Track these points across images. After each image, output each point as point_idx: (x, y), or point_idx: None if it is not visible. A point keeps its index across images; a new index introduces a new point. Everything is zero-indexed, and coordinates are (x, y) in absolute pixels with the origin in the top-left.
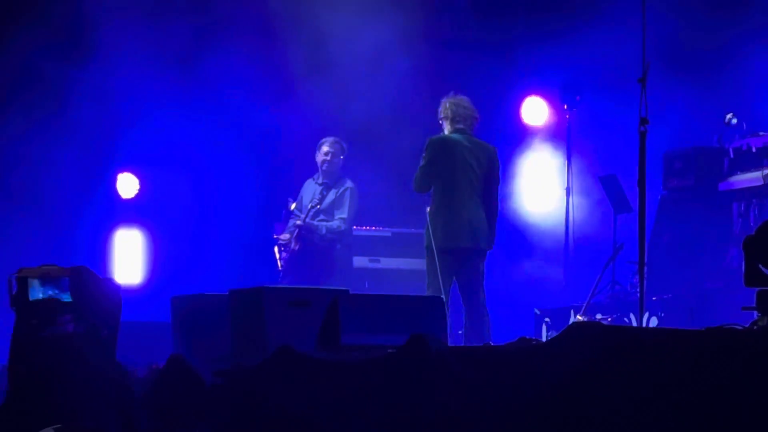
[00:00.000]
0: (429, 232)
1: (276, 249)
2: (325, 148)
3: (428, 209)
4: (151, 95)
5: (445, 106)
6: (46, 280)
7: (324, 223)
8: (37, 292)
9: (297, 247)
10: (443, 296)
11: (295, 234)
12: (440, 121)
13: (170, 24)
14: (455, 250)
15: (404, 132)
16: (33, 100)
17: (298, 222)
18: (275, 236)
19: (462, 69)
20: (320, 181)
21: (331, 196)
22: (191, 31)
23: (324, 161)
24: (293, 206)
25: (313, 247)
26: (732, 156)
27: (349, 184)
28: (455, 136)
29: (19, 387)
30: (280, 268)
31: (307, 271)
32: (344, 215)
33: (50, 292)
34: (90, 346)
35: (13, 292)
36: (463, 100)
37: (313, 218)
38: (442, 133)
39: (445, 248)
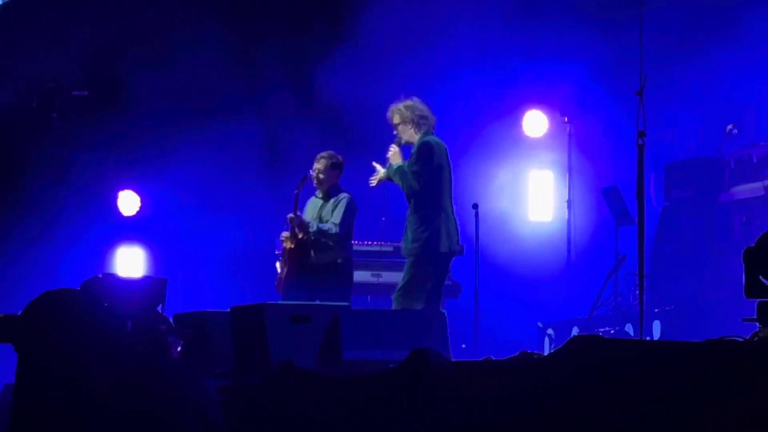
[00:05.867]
0: (426, 238)
1: (278, 265)
2: (315, 165)
3: (417, 214)
4: (152, 113)
5: (401, 110)
6: None
7: (316, 222)
8: None
9: (292, 245)
10: (439, 305)
11: (288, 231)
12: (398, 127)
13: (175, 45)
14: (452, 254)
15: (405, 146)
16: (36, 121)
17: (290, 216)
18: (277, 252)
19: (463, 82)
20: (319, 195)
21: (329, 207)
22: (194, 51)
23: (315, 177)
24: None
25: (313, 261)
26: (733, 166)
27: (346, 195)
28: (437, 138)
29: None
30: (279, 283)
31: (308, 286)
32: (337, 220)
33: None
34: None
35: None
36: (417, 101)
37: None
38: (429, 136)
39: (448, 253)
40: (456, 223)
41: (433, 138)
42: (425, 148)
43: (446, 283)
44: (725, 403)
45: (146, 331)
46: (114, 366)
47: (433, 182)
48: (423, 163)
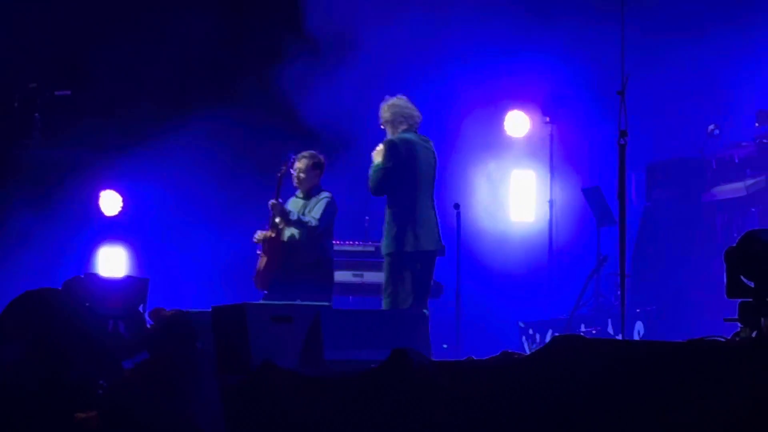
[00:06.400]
0: (392, 237)
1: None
2: (296, 164)
3: (387, 212)
4: (133, 113)
5: (384, 109)
6: None
7: (298, 213)
8: None
9: (273, 234)
10: (422, 306)
11: (269, 220)
12: (381, 127)
13: (155, 47)
14: (426, 253)
15: None
16: (18, 121)
17: (272, 202)
18: (259, 252)
19: (444, 82)
20: (300, 195)
21: (310, 205)
22: (175, 53)
23: (296, 177)
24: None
25: (294, 260)
26: (715, 167)
27: (327, 194)
28: (410, 136)
29: None
30: (258, 275)
31: (288, 285)
32: (317, 215)
33: None
34: None
35: None
36: (401, 99)
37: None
38: (405, 134)
39: (417, 252)
40: (435, 222)
41: (401, 136)
42: (387, 147)
43: None
44: (707, 403)
45: (180, 332)
46: (98, 365)
47: (399, 181)
48: (385, 162)
